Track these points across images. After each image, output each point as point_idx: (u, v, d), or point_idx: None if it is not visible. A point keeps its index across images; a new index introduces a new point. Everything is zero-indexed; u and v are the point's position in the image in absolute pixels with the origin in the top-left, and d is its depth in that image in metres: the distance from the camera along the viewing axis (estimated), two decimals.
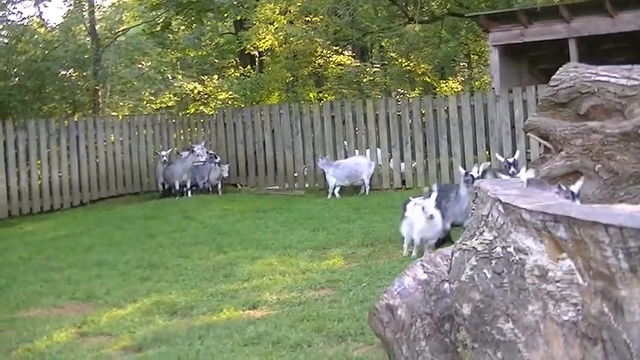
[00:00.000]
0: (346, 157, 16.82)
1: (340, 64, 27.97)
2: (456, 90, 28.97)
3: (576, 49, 16.66)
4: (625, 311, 3.15)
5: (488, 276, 3.53)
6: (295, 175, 17.74)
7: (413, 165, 16.54)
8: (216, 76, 29.73)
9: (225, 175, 17.37)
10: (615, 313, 3.16)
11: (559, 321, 3.28)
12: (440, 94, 25.93)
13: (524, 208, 3.38)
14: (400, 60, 29.23)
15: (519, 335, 3.39)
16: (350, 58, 28.83)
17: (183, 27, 28.18)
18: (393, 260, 8.72)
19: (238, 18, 24.80)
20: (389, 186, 16.46)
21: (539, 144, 9.83)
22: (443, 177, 15.95)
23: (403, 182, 16.49)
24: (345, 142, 17.20)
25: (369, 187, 15.75)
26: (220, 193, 17.10)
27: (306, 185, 17.32)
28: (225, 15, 26.04)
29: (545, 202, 3.45)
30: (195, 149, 16.93)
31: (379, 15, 27.89)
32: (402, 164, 16.57)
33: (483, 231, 3.64)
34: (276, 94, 25.84)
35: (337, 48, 27.53)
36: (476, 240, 3.67)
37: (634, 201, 8.22)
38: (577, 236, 3.20)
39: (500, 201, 3.53)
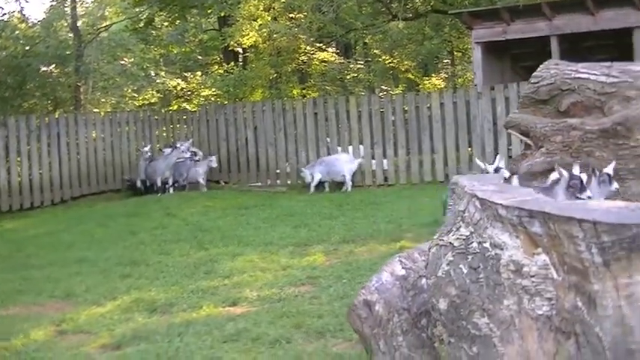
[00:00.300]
0: (329, 154, 16.82)
1: (324, 61, 27.96)
2: (439, 87, 29.03)
3: (558, 47, 16.73)
4: (598, 305, 3.16)
5: (465, 271, 3.54)
6: (278, 171, 17.71)
7: (395, 161, 16.55)
8: (199, 73, 29.64)
9: (215, 165, 17.31)
10: (588, 307, 3.18)
11: (534, 315, 3.30)
12: (423, 90, 25.96)
13: (501, 204, 3.39)
14: (384, 57, 29.26)
15: (495, 330, 3.40)
16: (334, 54, 28.84)
17: (166, 23, 28.09)
18: (374, 256, 8.72)
19: (222, 14, 24.73)
20: (371, 182, 16.45)
21: (520, 141, 9.89)
22: (425, 173, 15.97)
23: (385, 179, 16.49)
24: (328, 139, 17.18)
25: (351, 184, 15.75)
26: (205, 190, 17.05)
27: (289, 182, 17.29)
28: (209, 11, 25.99)
29: (521, 197, 3.46)
30: (179, 145, 16.89)
31: (363, 12, 27.88)
32: (385, 161, 16.57)
33: (460, 226, 3.65)
34: (260, 91, 25.82)
35: (321, 45, 27.53)
36: (452, 235, 3.68)
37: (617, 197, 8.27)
38: (552, 231, 3.21)
39: (477, 197, 3.54)
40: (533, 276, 3.29)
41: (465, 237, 3.57)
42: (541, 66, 9.33)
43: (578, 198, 6.86)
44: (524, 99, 9.41)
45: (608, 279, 3.14)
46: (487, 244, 3.44)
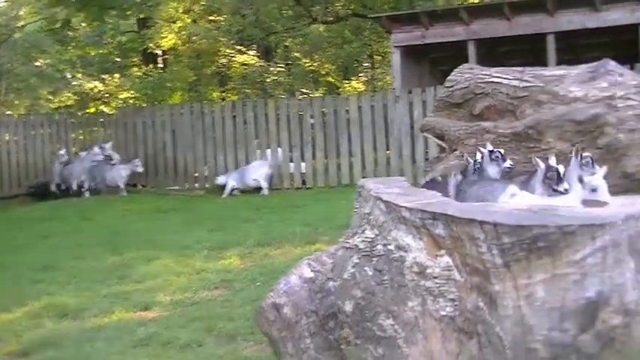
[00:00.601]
0: (247, 157, 16.81)
1: (244, 64, 27.90)
2: (359, 90, 29.19)
3: (475, 51, 16.96)
4: (499, 305, 3.21)
5: (370, 273, 3.55)
6: (196, 175, 17.59)
7: (313, 164, 16.58)
8: (117, 75, 29.27)
9: (140, 170, 17.07)
10: (490, 308, 3.23)
11: (437, 316, 3.33)
12: (343, 94, 26.08)
13: (405, 207, 3.42)
14: (304, 60, 29.32)
15: (399, 331, 3.43)
16: (254, 57, 28.78)
17: (84, 24, 27.63)
18: (288, 260, 8.69)
19: (141, 16, 24.47)
20: (289, 186, 16.46)
21: (437, 144, 10.00)
22: (343, 177, 16.04)
23: (303, 182, 16.51)
24: (248, 143, 17.14)
25: (267, 187, 15.72)
26: (124, 194, 16.83)
27: (207, 186, 17.18)
28: (128, 13, 25.64)
29: (425, 200, 3.49)
30: (94, 148, 16.66)
31: (284, 15, 27.89)
32: (303, 164, 16.59)
33: (365, 229, 3.67)
34: (179, 94, 25.63)
35: (241, 47, 27.44)
36: (358, 238, 3.69)
37: None
38: (454, 233, 3.25)
39: (382, 199, 3.56)
40: (436, 277, 3.33)
41: (370, 239, 3.59)
42: (455, 70, 9.46)
43: (555, 190, 6.96)
44: (439, 102, 9.54)
45: (508, 279, 3.19)
46: (392, 247, 3.47)
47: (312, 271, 4.17)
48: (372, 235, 3.59)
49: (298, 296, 4.07)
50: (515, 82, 8.96)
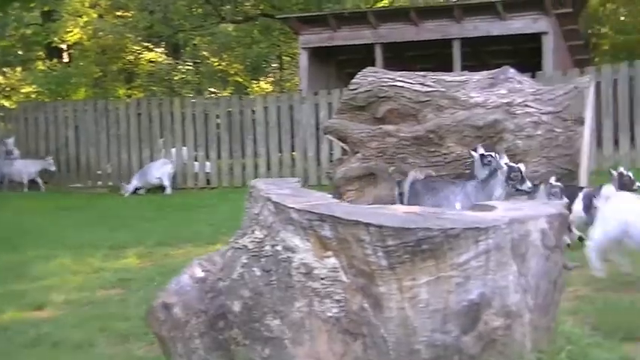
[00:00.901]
0: (152, 156, 16.65)
1: (152, 61, 27.59)
2: (267, 91, 29.19)
3: (382, 55, 17.15)
4: (383, 307, 3.26)
5: (258, 274, 3.56)
6: (99, 172, 17.34)
7: (219, 164, 16.51)
8: (20, 69, 28.59)
9: (53, 168, 16.74)
10: (374, 309, 3.27)
11: (323, 317, 3.36)
12: (252, 94, 26.04)
13: (293, 208, 3.43)
14: (212, 59, 29.16)
15: (286, 331, 3.44)
16: (162, 55, 28.50)
17: None
18: (189, 260, 8.55)
19: (46, 9, 23.96)
20: (194, 185, 16.36)
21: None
22: (248, 177, 15.99)
23: (208, 182, 16.42)
24: (153, 141, 16.98)
25: (170, 187, 15.60)
26: (26, 190, 16.45)
27: (110, 183, 16.96)
28: (32, 5, 25.10)
29: (314, 201, 3.51)
30: None
31: (193, 13, 27.67)
32: (208, 163, 16.51)
33: (255, 229, 3.67)
34: (84, 90, 25.18)
35: (149, 44, 27.13)
36: (247, 238, 3.69)
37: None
38: (341, 235, 3.28)
39: (271, 200, 3.56)
40: (323, 278, 3.35)
41: (258, 240, 3.60)
42: (359, 73, 9.58)
43: (518, 190, 7.05)
44: (343, 105, 9.64)
45: (393, 281, 3.24)
46: (280, 247, 3.48)
47: (203, 270, 4.13)
48: (261, 236, 3.59)
49: (189, 296, 4.03)
50: (417, 87, 9.13)
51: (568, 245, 7.35)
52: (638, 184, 7.56)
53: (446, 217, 3.39)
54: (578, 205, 7.37)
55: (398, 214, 3.41)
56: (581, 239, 7.38)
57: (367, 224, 3.20)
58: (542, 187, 7.53)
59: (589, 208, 7.22)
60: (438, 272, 3.25)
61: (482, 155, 7.83)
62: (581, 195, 7.44)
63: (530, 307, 3.51)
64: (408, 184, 8.05)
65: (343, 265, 3.31)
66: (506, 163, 7.30)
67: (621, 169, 7.58)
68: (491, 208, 3.81)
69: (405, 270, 3.22)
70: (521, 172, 7.13)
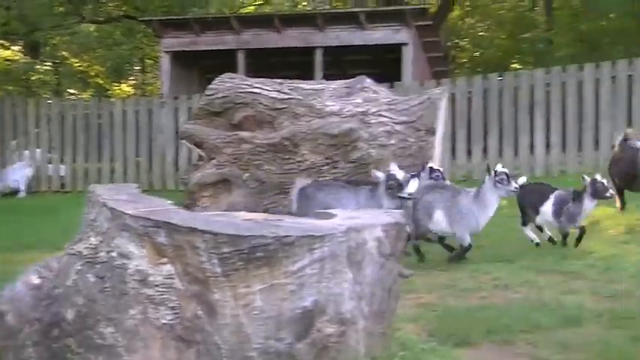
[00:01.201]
0: (3, 158, 16.12)
1: (8, 60, 26.73)
2: (129, 94, 28.73)
3: (244, 61, 17.16)
4: (218, 314, 3.26)
5: (92, 281, 3.49)
6: None
7: (74, 167, 16.12)
8: None
9: None
10: (209, 316, 3.26)
11: (157, 324, 3.33)
12: (112, 96, 25.57)
13: (129, 214, 3.39)
14: (73, 59, 28.49)
15: (120, 339, 3.39)
16: (19, 53, 27.64)
17: None
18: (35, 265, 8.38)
19: None
20: (47, 188, 15.93)
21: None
22: (104, 181, 15.67)
23: (62, 185, 16.02)
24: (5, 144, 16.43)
25: (24, 190, 15.16)
26: None
27: None
28: None
29: (151, 208, 3.48)
30: None
31: (53, 11, 26.89)
32: (63, 167, 16.09)
33: (90, 235, 3.60)
34: None
35: (4, 42, 26.26)
36: (82, 244, 3.62)
37: (277, 210, 8.58)
38: (176, 242, 3.26)
39: (107, 206, 3.51)
40: (158, 285, 3.33)
41: (94, 246, 3.54)
42: (217, 79, 9.55)
43: (400, 197, 7.01)
44: (200, 110, 9.58)
45: (227, 289, 3.24)
46: (114, 254, 3.43)
47: (39, 277, 4.03)
48: (96, 242, 3.53)
49: (23, 303, 3.92)
50: (274, 94, 9.16)
51: (537, 244, 7.44)
52: (611, 191, 7.37)
53: (283, 225, 3.42)
54: (547, 207, 7.34)
55: (235, 221, 3.42)
56: (551, 240, 7.49)
57: (202, 231, 3.19)
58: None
59: (559, 213, 7.24)
60: (273, 279, 3.27)
61: (431, 169, 7.90)
62: (552, 197, 7.35)
63: (364, 314, 3.57)
64: (296, 190, 8.04)
65: (178, 272, 3.29)
66: (385, 173, 7.31)
67: (597, 175, 7.30)
68: (331, 216, 3.87)
69: (239, 277, 3.23)
70: (397, 180, 7.16)
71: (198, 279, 3.26)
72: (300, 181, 8.22)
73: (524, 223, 7.64)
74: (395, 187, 7.07)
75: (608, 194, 7.24)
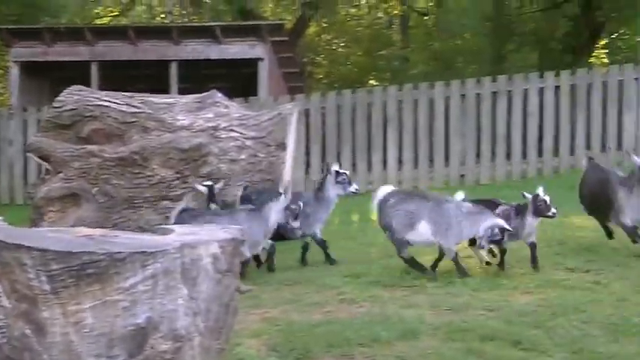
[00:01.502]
0: None
1: None
2: None
3: (98, 73, 16.85)
4: (47, 332, 3.19)
5: None
6: None
7: None
8: None
9: None
10: (37, 335, 3.19)
11: None
12: None
13: None
14: None
15: None
16: None
17: None
18: None
19: None
20: None
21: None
22: None
23: None
24: None
25: None
26: None
27: None
28: None
29: None
30: None
31: None
32: None
33: None
34: None
35: None
36: None
37: (126, 224, 8.48)
38: (3, 258, 3.18)
39: None
40: None
41: None
42: (65, 91, 9.37)
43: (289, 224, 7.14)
44: (47, 123, 9.37)
45: (56, 306, 3.18)
46: None
47: None
48: None
49: None
50: (124, 107, 9.06)
51: (488, 264, 6.98)
52: (554, 210, 6.95)
53: (116, 241, 3.38)
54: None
55: (67, 237, 3.36)
56: (491, 251, 7.10)
57: (30, 248, 3.13)
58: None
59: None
60: (104, 296, 3.23)
61: (337, 172, 8.04)
62: (497, 212, 6.99)
63: (200, 330, 3.57)
64: (175, 211, 7.93)
65: (6, 289, 3.21)
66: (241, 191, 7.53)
67: (539, 190, 6.98)
68: (169, 231, 3.85)
69: (69, 294, 3.18)
70: (284, 194, 7.34)
71: (27, 297, 3.18)
72: (184, 201, 8.17)
73: (472, 244, 7.20)
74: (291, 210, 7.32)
75: (550, 213, 6.94)
